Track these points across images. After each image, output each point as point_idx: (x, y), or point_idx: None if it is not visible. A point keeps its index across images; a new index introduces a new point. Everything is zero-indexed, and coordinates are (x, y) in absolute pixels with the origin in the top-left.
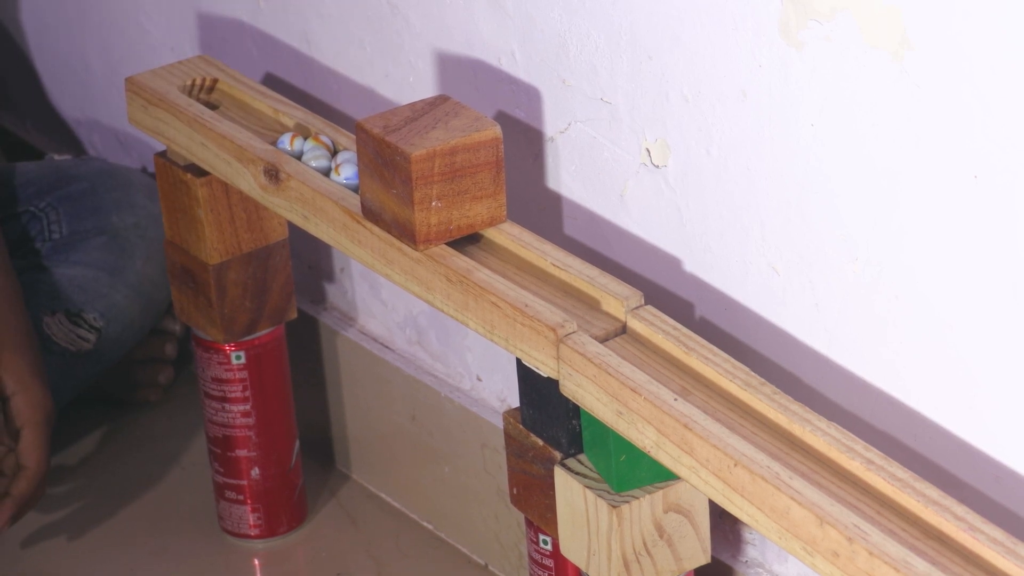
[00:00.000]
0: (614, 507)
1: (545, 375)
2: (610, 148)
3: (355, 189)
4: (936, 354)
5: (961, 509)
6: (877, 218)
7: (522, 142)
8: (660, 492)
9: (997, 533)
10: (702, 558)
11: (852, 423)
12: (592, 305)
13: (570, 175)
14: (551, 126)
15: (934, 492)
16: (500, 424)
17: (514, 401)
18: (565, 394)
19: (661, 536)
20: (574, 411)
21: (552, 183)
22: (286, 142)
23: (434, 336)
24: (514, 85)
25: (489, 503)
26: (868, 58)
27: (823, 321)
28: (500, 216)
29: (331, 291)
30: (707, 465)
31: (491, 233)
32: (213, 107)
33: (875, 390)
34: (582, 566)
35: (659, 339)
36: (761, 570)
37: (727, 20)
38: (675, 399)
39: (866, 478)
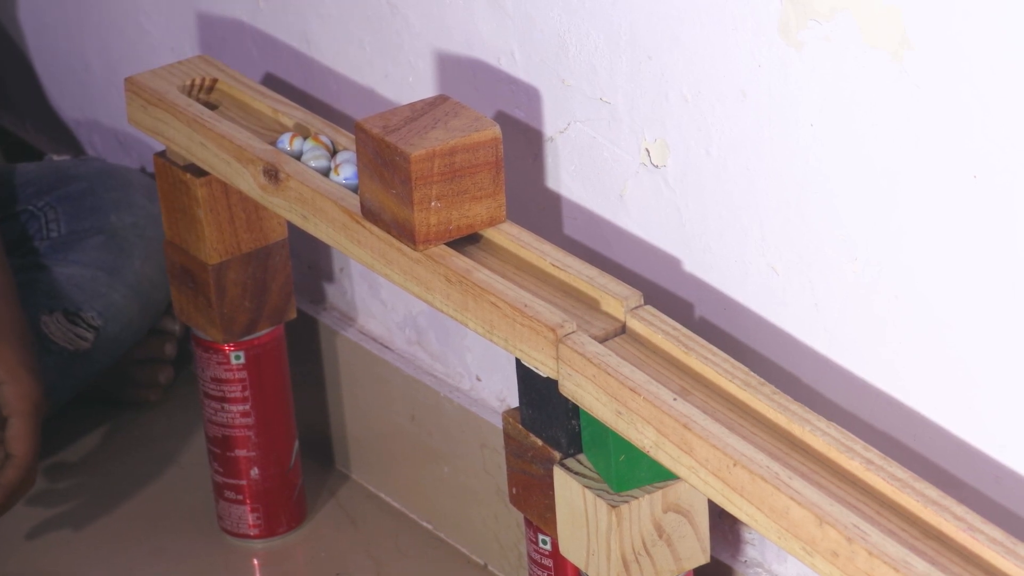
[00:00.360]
0: (613, 507)
1: (544, 375)
2: (610, 148)
3: (354, 189)
4: (935, 354)
5: (960, 509)
6: (876, 218)
7: (521, 142)
8: (659, 492)
9: (996, 533)
10: (701, 558)
11: (851, 423)
12: (591, 305)
13: (569, 175)
14: (551, 126)
15: (933, 492)
16: (499, 424)
17: (513, 401)
18: (564, 394)
19: (660, 536)
20: (573, 411)
21: (552, 183)
22: (285, 142)
23: (433, 336)
24: (514, 85)
25: (488, 503)
26: (868, 58)
27: (822, 321)
28: (499, 216)
29: (330, 291)
30: (706, 465)
31: (490, 233)
32: (213, 107)
33: (874, 390)
34: (581, 566)
35: (658, 339)
36: (760, 570)
37: (727, 20)
38: (674, 399)
39: (865, 478)
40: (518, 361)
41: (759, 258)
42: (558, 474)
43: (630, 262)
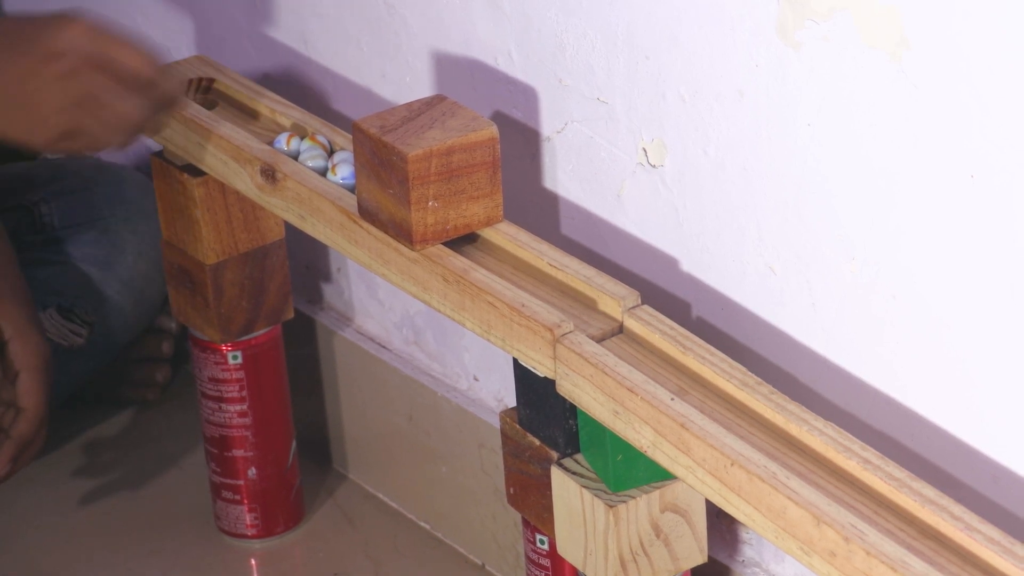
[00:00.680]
0: (611, 507)
1: (542, 375)
2: (607, 148)
3: (352, 189)
4: (933, 354)
5: (958, 508)
6: (874, 218)
7: (519, 142)
8: (657, 492)
9: (994, 533)
10: (699, 558)
11: (849, 423)
12: (589, 305)
13: (567, 175)
14: (548, 126)
15: (931, 492)
16: (497, 424)
17: (511, 401)
18: (562, 394)
19: (658, 536)
20: (571, 411)
21: (549, 183)
22: (282, 142)
23: (431, 336)
24: (511, 85)
25: (486, 503)
26: (866, 58)
27: (820, 321)
28: (497, 216)
29: (328, 291)
30: (704, 465)
31: (488, 233)
32: (210, 107)
33: (872, 390)
34: (579, 566)
35: (656, 339)
36: (758, 570)
37: (724, 20)
38: (672, 399)
39: (863, 478)
40: (516, 361)
41: (757, 258)
42: (556, 474)
43: (627, 262)
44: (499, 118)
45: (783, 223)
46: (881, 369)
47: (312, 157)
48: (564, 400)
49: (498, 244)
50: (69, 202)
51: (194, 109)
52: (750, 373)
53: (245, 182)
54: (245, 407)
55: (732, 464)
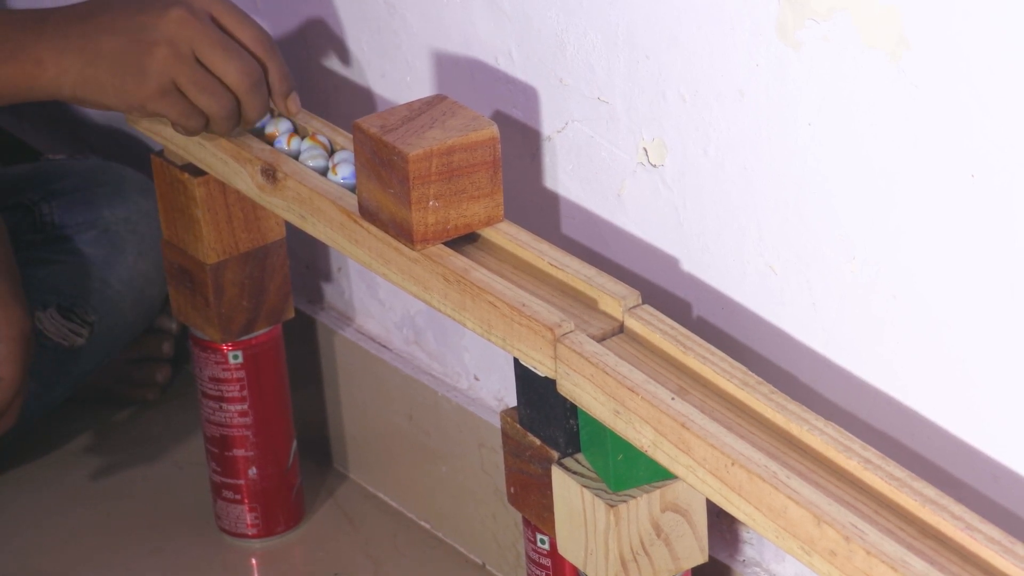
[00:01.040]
0: (611, 506)
1: (542, 374)
2: (607, 148)
3: (352, 189)
4: (933, 353)
5: (959, 508)
6: (875, 218)
7: (519, 141)
8: (657, 491)
9: (995, 532)
10: (699, 557)
11: (849, 422)
12: (589, 304)
13: (567, 174)
14: (548, 125)
15: (931, 491)
16: (497, 423)
17: (511, 401)
18: (562, 393)
19: (658, 535)
20: (571, 410)
21: (549, 182)
22: (283, 142)
23: (431, 336)
24: (511, 85)
25: (487, 502)
26: (866, 58)
27: (820, 320)
28: (497, 216)
29: (328, 291)
30: (704, 464)
31: (488, 233)
32: None
33: (872, 389)
34: (579, 565)
35: (656, 338)
36: (759, 569)
37: (724, 20)
38: (672, 398)
39: (863, 477)
40: (516, 360)
41: (757, 257)
42: (556, 473)
43: (628, 261)
44: (499, 118)
45: (783, 223)
46: (881, 369)
47: (312, 157)
48: (565, 400)
49: (499, 244)
50: (69, 201)
51: None
52: (750, 373)
53: (246, 182)
54: (246, 407)
55: (733, 464)
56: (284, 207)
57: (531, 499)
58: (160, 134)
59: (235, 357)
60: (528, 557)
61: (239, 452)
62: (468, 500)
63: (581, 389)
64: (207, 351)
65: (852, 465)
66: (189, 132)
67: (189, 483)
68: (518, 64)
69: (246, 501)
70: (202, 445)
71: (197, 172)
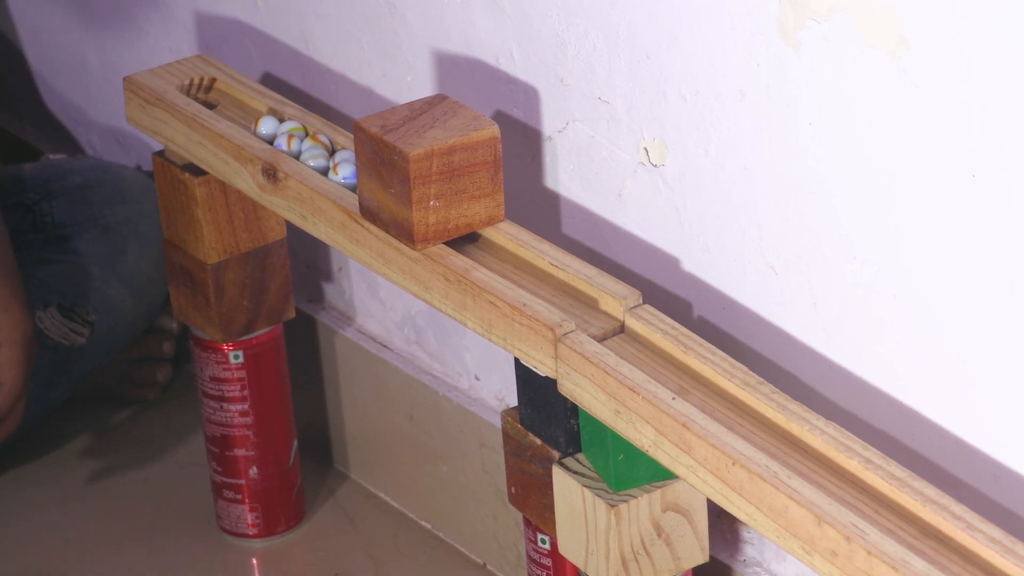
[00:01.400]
0: (612, 506)
1: (543, 374)
2: (608, 147)
3: (353, 188)
4: (934, 353)
5: (959, 508)
6: (875, 218)
7: (520, 141)
8: (658, 491)
9: (995, 532)
10: (700, 557)
11: (850, 422)
12: (590, 304)
13: (568, 174)
14: (549, 125)
15: (932, 491)
16: (498, 423)
17: (512, 400)
18: (563, 393)
19: (659, 535)
20: (572, 410)
21: (550, 182)
22: (283, 142)
23: (432, 335)
24: (512, 84)
25: (487, 502)
26: (866, 58)
27: (821, 320)
28: (498, 215)
29: (329, 290)
30: (705, 464)
31: (489, 232)
32: (211, 106)
33: (873, 389)
34: (580, 565)
35: (657, 338)
36: (759, 569)
37: (725, 20)
38: (673, 398)
39: (864, 477)
40: (517, 360)
41: (758, 257)
42: (557, 473)
43: (629, 261)
44: (500, 117)
45: (784, 223)
46: (882, 369)
47: (313, 156)
48: (565, 400)
49: (499, 243)
50: (70, 201)
51: (195, 108)
52: (751, 372)
53: (246, 181)
54: (246, 406)
55: (733, 464)
56: (285, 207)
57: (532, 499)
58: (161, 134)
59: (236, 357)
60: (529, 557)
61: (240, 452)
62: (469, 500)
63: (582, 389)
64: (208, 351)
65: (853, 465)
66: None
67: (190, 483)
68: (519, 64)
69: (247, 501)
70: (203, 445)
71: (198, 172)
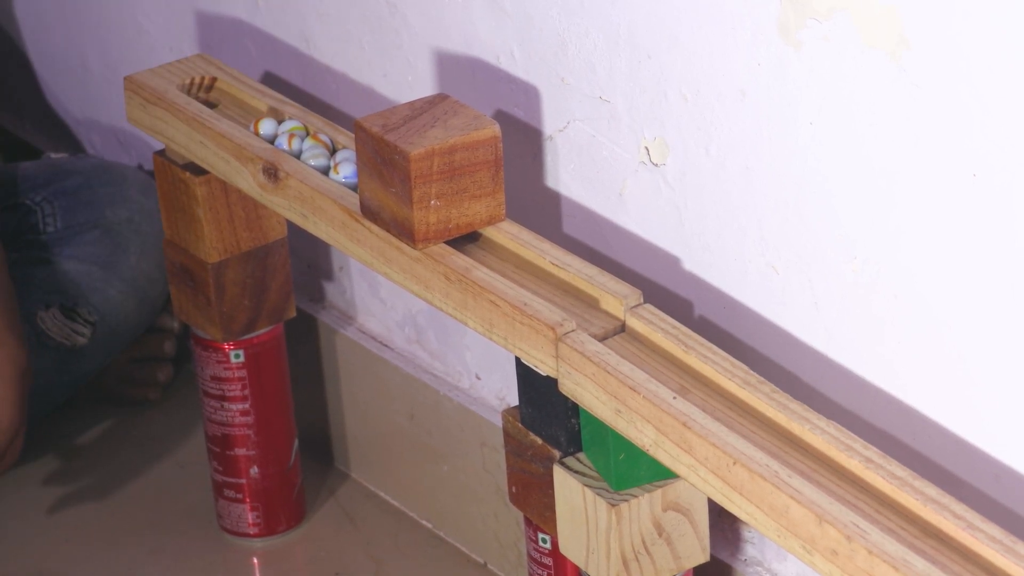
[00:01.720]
0: (613, 505)
1: (544, 374)
2: (609, 147)
3: (354, 188)
4: (934, 353)
5: (960, 507)
6: (875, 217)
7: (521, 141)
8: (659, 491)
9: (996, 531)
10: (701, 556)
11: (851, 421)
12: (591, 304)
13: (569, 174)
14: (550, 125)
15: (933, 490)
16: (499, 423)
17: (513, 400)
18: (564, 392)
19: (660, 535)
20: (573, 410)
21: (551, 182)
22: (284, 141)
23: (433, 335)
24: (513, 84)
25: (488, 502)
26: (866, 58)
27: (822, 320)
28: (499, 215)
29: (330, 290)
30: (706, 463)
31: (490, 232)
32: (212, 106)
33: (874, 388)
34: (581, 565)
35: (658, 338)
36: (760, 568)
37: (726, 19)
38: (674, 397)
39: (865, 476)
40: (517, 360)
41: (758, 257)
42: (558, 473)
43: (629, 261)
44: (501, 117)
45: (784, 222)
46: (883, 368)
47: (314, 156)
48: (566, 399)
49: (500, 243)
50: (72, 202)
51: (196, 108)
52: (752, 372)
53: (247, 181)
54: (247, 406)
55: (734, 463)
56: (286, 206)
57: (533, 498)
58: (162, 133)
59: (236, 356)
60: (530, 556)
61: (240, 451)
62: (470, 499)
63: (583, 388)
64: (208, 350)
65: (854, 464)
66: None
67: (190, 482)
68: (520, 63)
69: (247, 500)
70: (203, 444)
71: (199, 171)
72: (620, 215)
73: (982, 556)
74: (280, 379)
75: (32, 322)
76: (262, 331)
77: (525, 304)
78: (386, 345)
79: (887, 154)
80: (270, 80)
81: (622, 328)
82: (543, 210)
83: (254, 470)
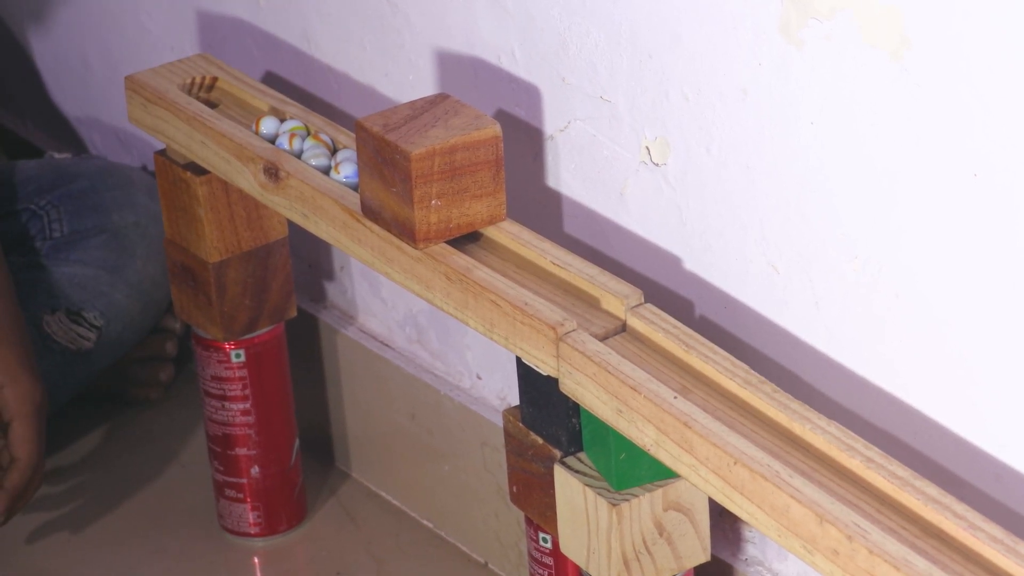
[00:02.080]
0: (614, 505)
1: (545, 373)
2: (610, 146)
3: (355, 187)
4: (936, 352)
5: (961, 507)
6: (877, 217)
7: (522, 140)
8: (660, 490)
9: (997, 531)
10: (702, 556)
11: (852, 421)
12: (592, 303)
13: (570, 173)
14: (551, 124)
15: (934, 490)
16: (500, 422)
17: (514, 399)
18: (565, 392)
19: (661, 534)
20: (574, 409)
21: (552, 181)
22: (285, 141)
23: (434, 334)
24: (514, 83)
25: (489, 501)
26: (867, 57)
27: (823, 319)
28: (500, 214)
29: (331, 289)
30: (707, 463)
31: (491, 231)
32: (213, 105)
33: (875, 388)
34: (582, 564)
35: (659, 337)
36: (761, 568)
37: (727, 19)
38: (675, 397)
39: (866, 476)
40: (518, 359)
41: (759, 256)
42: (559, 472)
43: (630, 260)
44: (502, 117)
45: (786, 222)
46: (884, 368)
47: (315, 156)
48: (567, 398)
49: (501, 243)
50: (78, 205)
51: (197, 107)
52: (753, 371)
53: (248, 180)
54: (248, 405)
55: (735, 463)
56: (287, 206)
57: (533, 498)
58: (163, 133)
59: (237, 356)
60: (530, 556)
61: (241, 451)
62: (470, 499)
63: (583, 388)
64: (209, 350)
65: (854, 464)
66: None
67: (191, 482)
68: (521, 63)
69: (248, 500)
70: (204, 444)
71: (200, 171)
72: (621, 215)
73: (983, 556)
74: (281, 379)
75: (38, 326)
76: (263, 331)
77: (526, 304)
78: (387, 345)
79: (888, 153)
80: (271, 80)
81: (623, 328)
82: (544, 210)
83: (255, 470)
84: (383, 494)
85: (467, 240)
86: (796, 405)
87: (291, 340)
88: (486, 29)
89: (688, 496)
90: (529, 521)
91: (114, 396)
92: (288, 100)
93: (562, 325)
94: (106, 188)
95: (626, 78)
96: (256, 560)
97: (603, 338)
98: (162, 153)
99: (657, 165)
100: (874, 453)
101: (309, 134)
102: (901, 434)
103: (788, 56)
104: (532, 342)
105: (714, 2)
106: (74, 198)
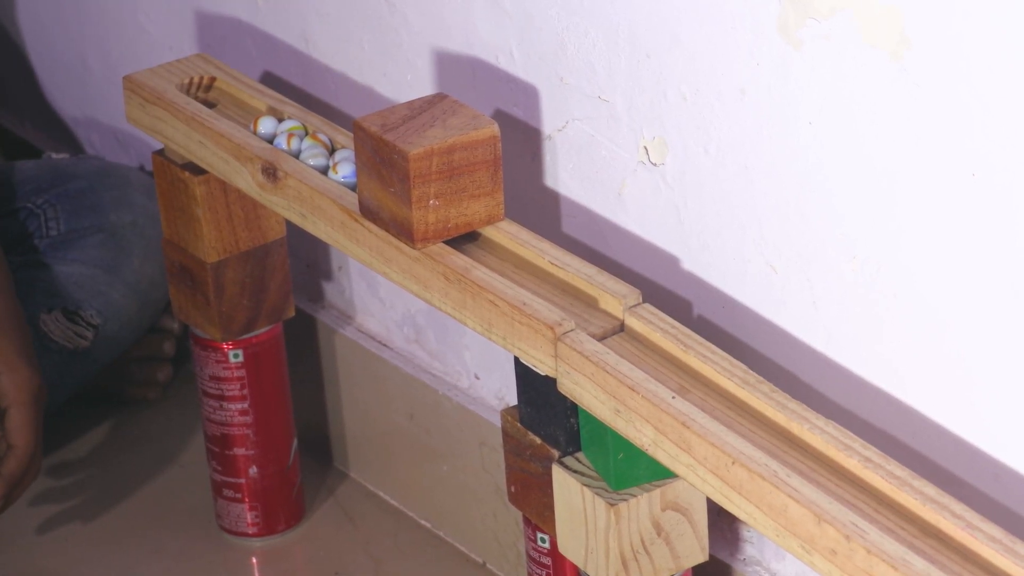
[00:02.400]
0: (612, 505)
1: (543, 373)
2: (608, 146)
3: (353, 187)
4: (934, 352)
5: (959, 507)
6: (875, 216)
7: (520, 140)
8: (658, 490)
9: (995, 531)
10: (700, 556)
11: (850, 421)
12: (590, 303)
13: (568, 173)
14: (549, 124)
15: (932, 490)
16: (498, 422)
17: (512, 399)
18: (563, 392)
19: (659, 534)
20: (572, 409)
21: (550, 181)
22: (283, 141)
23: (432, 334)
24: (512, 83)
25: (487, 501)
26: (867, 57)
27: (821, 319)
28: (498, 214)
29: (329, 289)
30: (705, 463)
31: (489, 231)
32: (211, 105)
33: (873, 388)
34: (580, 564)
35: (657, 337)
36: (759, 568)
37: (726, 18)
38: (673, 397)
39: (864, 476)
40: (516, 359)
41: (758, 256)
42: (557, 472)
43: (628, 260)
44: (500, 116)
45: (784, 221)
46: (882, 367)
47: (313, 155)
48: (565, 398)
49: (499, 242)
50: (75, 205)
51: (195, 107)
52: (751, 371)
53: (246, 180)
54: (246, 405)
55: (733, 462)
56: (285, 206)
57: (532, 498)
58: (161, 133)
59: (236, 356)
60: (529, 556)
61: (239, 451)
62: (469, 499)
63: (582, 388)
64: (208, 350)
65: (852, 464)
66: None
67: (190, 482)
68: (519, 63)
69: (247, 500)
70: (203, 444)
71: (198, 171)
72: (619, 214)
73: (981, 556)
74: (279, 379)
75: (35, 325)
76: (261, 331)
77: (524, 304)
78: (385, 345)
79: (887, 153)
80: (270, 80)
81: (621, 328)
82: (542, 210)
83: (253, 470)
84: (381, 494)
85: (465, 240)
86: (794, 405)
87: (289, 340)
88: (484, 29)
89: (686, 496)
90: (527, 521)
91: (112, 396)
92: (286, 100)
93: (560, 325)
94: (104, 188)
95: (624, 78)
96: (254, 560)
97: (601, 338)
98: (160, 153)
99: (655, 165)
100: (872, 453)
101: (307, 134)
102: (899, 434)
103: (787, 56)
104: (530, 342)
105: (712, 2)
106: (71, 198)
